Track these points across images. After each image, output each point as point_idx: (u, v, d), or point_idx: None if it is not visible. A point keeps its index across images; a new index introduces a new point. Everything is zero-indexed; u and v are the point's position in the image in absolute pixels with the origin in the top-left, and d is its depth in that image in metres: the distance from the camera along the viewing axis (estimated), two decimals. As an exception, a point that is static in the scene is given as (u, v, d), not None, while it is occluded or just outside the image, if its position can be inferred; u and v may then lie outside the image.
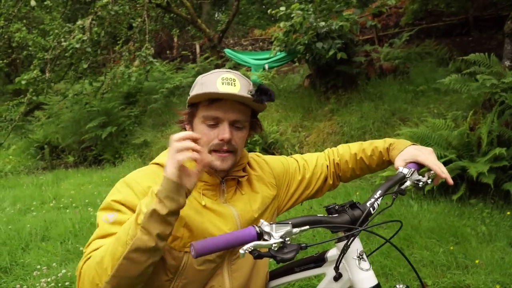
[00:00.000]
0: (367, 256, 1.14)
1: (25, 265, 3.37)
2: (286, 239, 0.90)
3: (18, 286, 2.98)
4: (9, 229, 4.14)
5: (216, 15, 18.78)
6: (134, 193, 1.12)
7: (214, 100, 1.16)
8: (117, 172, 7.07)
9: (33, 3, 7.80)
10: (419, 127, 4.76)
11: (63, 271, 3.06)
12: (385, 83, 6.60)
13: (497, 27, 7.49)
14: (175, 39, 13.68)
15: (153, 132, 8.40)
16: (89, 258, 1.03)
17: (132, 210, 1.08)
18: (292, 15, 6.06)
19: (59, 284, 2.95)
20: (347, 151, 1.46)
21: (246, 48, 12.55)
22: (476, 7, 8.40)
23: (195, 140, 0.96)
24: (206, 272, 1.17)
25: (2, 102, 11.25)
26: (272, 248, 0.89)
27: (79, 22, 7.64)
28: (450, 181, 1.24)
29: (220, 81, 1.15)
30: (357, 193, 4.43)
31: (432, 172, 1.26)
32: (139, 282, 1.01)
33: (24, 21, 9.72)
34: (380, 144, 1.41)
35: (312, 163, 1.45)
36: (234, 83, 1.16)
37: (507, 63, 4.95)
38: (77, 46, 7.20)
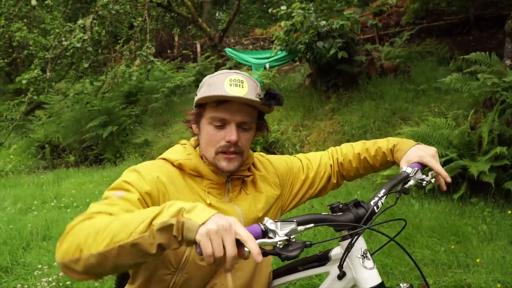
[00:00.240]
0: (371, 255, 1.14)
1: (26, 265, 3.37)
2: (291, 237, 0.90)
3: (19, 285, 2.98)
4: (10, 229, 4.15)
5: (217, 14, 18.77)
6: (144, 180, 1.13)
7: (221, 101, 1.16)
8: (118, 171, 7.06)
9: (33, 2, 7.80)
10: (420, 126, 4.76)
11: (65, 270, 3.06)
12: (386, 82, 6.59)
13: (497, 26, 7.47)
14: (176, 39, 13.68)
15: (154, 131, 8.40)
16: (89, 218, 0.97)
17: (141, 194, 1.09)
18: (293, 14, 6.05)
19: (60, 284, 2.95)
20: (350, 151, 1.46)
21: (247, 47, 12.56)
22: (477, 6, 8.39)
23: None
24: (208, 268, 1.17)
25: (3, 102, 11.21)
26: (277, 245, 0.89)
27: (80, 22, 7.63)
28: (449, 179, 1.30)
29: (228, 83, 1.16)
30: (358, 192, 4.43)
31: (432, 172, 1.29)
32: (117, 271, 1.05)
33: (25, 20, 9.68)
34: (384, 144, 1.41)
35: (316, 162, 1.45)
36: (242, 85, 1.16)
37: (507, 62, 4.95)
38: (78, 45, 7.19)
